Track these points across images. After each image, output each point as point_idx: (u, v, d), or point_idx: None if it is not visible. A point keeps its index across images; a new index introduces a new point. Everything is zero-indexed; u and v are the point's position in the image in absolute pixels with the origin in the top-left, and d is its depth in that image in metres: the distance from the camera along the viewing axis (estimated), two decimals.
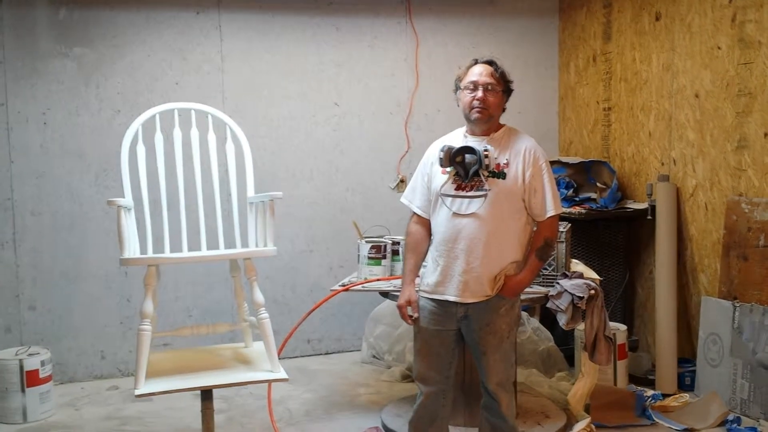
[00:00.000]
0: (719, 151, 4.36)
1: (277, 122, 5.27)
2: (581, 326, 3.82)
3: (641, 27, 4.97)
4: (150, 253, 3.21)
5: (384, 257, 4.08)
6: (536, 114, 5.88)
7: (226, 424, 4.12)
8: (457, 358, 3.15)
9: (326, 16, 5.34)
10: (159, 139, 3.29)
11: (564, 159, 5.35)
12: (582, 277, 3.79)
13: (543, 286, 3.83)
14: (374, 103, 5.48)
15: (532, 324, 4.88)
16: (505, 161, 2.97)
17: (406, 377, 4.79)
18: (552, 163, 5.33)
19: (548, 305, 3.75)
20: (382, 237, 4.28)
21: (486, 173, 2.95)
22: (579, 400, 3.93)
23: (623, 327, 4.58)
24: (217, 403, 3.28)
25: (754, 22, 4.07)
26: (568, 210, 4.91)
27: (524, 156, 2.98)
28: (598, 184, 5.05)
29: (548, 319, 4.75)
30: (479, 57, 3.14)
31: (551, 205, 2.99)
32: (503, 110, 3.12)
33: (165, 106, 3.38)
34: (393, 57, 5.51)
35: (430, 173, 3.09)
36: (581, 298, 3.64)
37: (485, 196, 2.94)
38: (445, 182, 3.02)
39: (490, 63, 3.08)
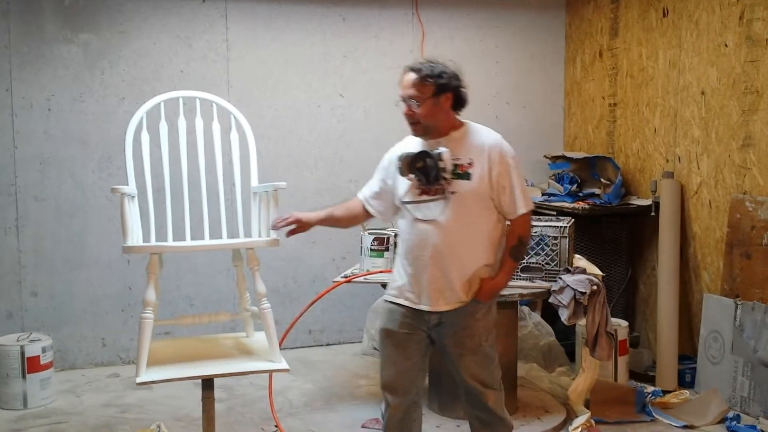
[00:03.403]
0: (724, 149, 4.34)
1: (282, 112, 5.27)
2: (583, 322, 3.82)
3: (648, 23, 4.95)
4: (153, 242, 3.21)
5: (387, 249, 4.07)
6: (541, 108, 5.87)
7: (226, 413, 4.13)
8: (426, 371, 3.03)
9: (333, 6, 5.32)
10: (163, 127, 3.29)
11: (568, 154, 5.34)
12: (584, 272, 3.79)
13: (545, 281, 3.82)
14: (379, 94, 5.46)
15: (533, 318, 4.89)
16: (469, 161, 2.82)
17: None
18: (556, 158, 5.35)
19: (550, 300, 3.75)
20: (385, 229, 4.27)
21: (449, 176, 2.80)
22: (579, 395, 3.93)
23: (624, 323, 4.58)
24: (217, 393, 3.28)
25: (762, 20, 4.05)
26: (572, 205, 4.90)
27: (489, 154, 2.82)
28: (602, 180, 5.04)
29: (550, 313, 4.75)
30: (412, 62, 2.92)
31: (521, 203, 2.84)
32: (457, 108, 2.89)
33: (170, 94, 3.37)
34: (399, 48, 5.49)
35: (394, 179, 2.95)
36: (583, 293, 3.65)
37: (450, 199, 2.81)
38: (408, 189, 2.88)
39: (413, 69, 2.86)
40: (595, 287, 3.68)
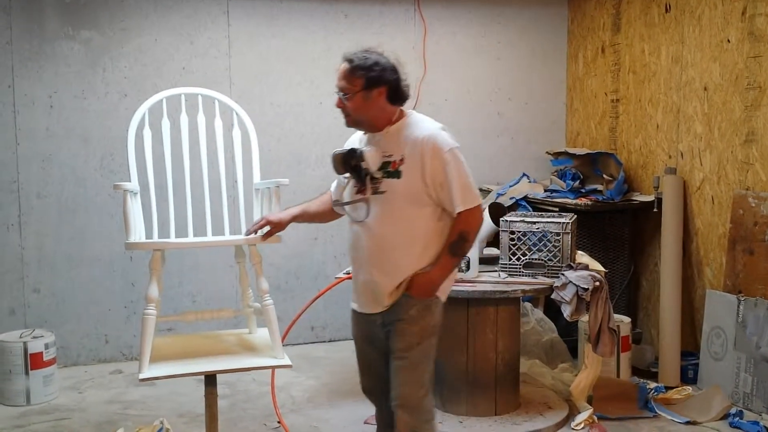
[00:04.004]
0: (727, 145, 4.34)
1: (284, 109, 5.26)
2: (585, 318, 3.82)
3: (650, 19, 4.94)
4: (155, 238, 3.22)
5: None
6: (543, 105, 5.86)
7: (229, 409, 4.14)
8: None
9: (334, 2, 5.31)
10: (165, 124, 3.29)
11: (571, 150, 5.34)
12: (587, 268, 3.79)
13: (548, 277, 3.82)
14: None
15: (536, 315, 4.88)
16: (400, 158, 2.65)
17: None
18: (558, 154, 5.34)
19: (553, 296, 3.75)
20: None
21: (379, 174, 2.67)
22: (582, 392, 3.93)
23: (627, 319, 4.58)
24: (220, 389, 3.28)
25: (765, 16, 4.04)
26: (574, 201, 4.90)
27: (421, 149, 2.62)
28: (604, 176, 5.03)
29: (552, 310, 4.75)
30: (348, 52, 2.75)
31: (459, 200, 2.62)
32: (395, 102, 2.72)
33: (172, 91, 3.38)
34: (401, 45, 5.47)
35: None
36: (586, 289, 3.65)
37: (377, 199, 2.67)
38: (345, 188, 2.79)
39: (346, 59, 2.71)
40: (597, 283, 3.68)
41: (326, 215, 3.06)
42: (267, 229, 2.93)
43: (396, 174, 2.65)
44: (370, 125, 2.74)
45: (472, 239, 2.73)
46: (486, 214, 4.24)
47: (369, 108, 2.69)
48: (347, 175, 2.76)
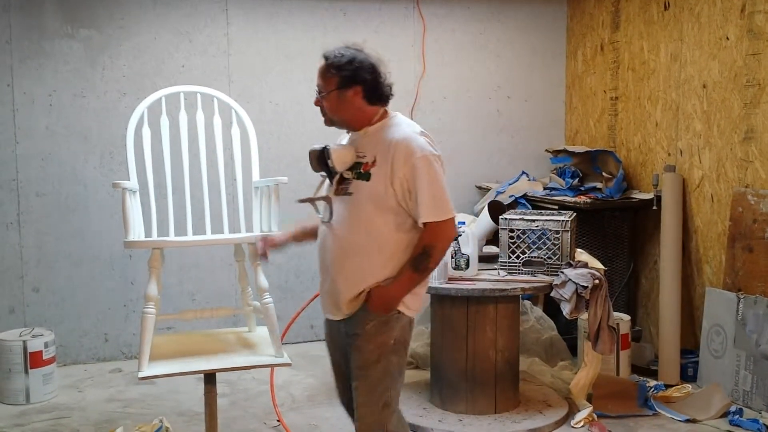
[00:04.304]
0: (726, 142, 4.34)
1: (283, 107, 5.26)
2: (585, 316, 3.83)
3: (650, 16, 4.94)
4: (154, 237, 3.22)
5: None
6: (543, 102, 5.86)
7: (228, 408, 4.14)
8: None
9: (333, 0, 5.31)
10: (165, 122, 3.29)
11: (570, 148, 5.33)
12: (586, 266, 3.79)
13: (547, 275, 3.82)
14: None
15: (535, 313, 4.88)
16: (373, 160, 2.52)
17: (409, 364, 4.79)
18: (558, 152, 5.34)
19: (552, 294, 3.75)
20: None
21: (350, 175, 2.55)
22: (581, 390, 3.93)
23: (627, 317, 4.58)
24: (220, 387, 3.29)
25: (764, 13, 4.04)
26: (574, 199, 4.89)
27: (394, 152, 2.47)
28: (603, 174, 5.03)
29: (552, 308, 4.75)
30: (327, 48, 2.66)
31: (425, 211, 2.46)
32: (373, 102, 2.59)
33: (171, 89, 3.38)
34: (400, 43, 5.48)
35: None
36: (585, 287, 3.65)
37: (344, 201, 2.56)
38: (319, 186, 2.70)
39: (323, 56, 2.62)
40: (597, 281, 3.68)
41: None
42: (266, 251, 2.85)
43: (366, 176, 2.52)
44: (348, 125, 2.64)
45: (437, 256, 2.53)
46: (485, 212, 4.25)
47: (344, 108, 2.58)
48: (323, 173, 2.65)
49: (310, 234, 2.84)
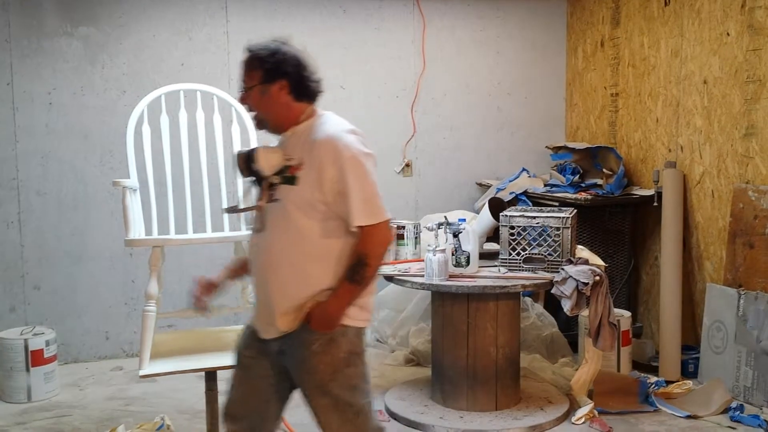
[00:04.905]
0: (727, 138, 4.33)
1: None
2: (585, 312, 3.82)
3: (650, 12, 4.93)
4: (155, 235, 3.22)
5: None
6: (543, 99, 5.85)
7: None
8: (279, 403, 2.55)
9: None
10: (164, 120, 3.29)
11: (570, 144, 5.33)
12: (587, 263, 3.78)
13: (548, 271, 3.82)
14: (380, 86, 5.45)
15: (536, 309, 4.89)
16: (299, 162, 2.33)
17: (410, 361, 4.80)
18: (558, 148, 5.33)
19: (553, 291, 3.75)
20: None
21: (277, 179, 2.35)
22: (582, 386, 3.94)
23: (627, 313, 4.58)
24: (221, 385, 3.28)
25: (764, 9, 4.03)
26: (574, 196, 4.89)
27: (321, 152, 2.28)
28: (604, 171, 5.03)
29: (552, 304, 4.75)
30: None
31: (356, 214, 2.27)
32: (301, 98, 2.42)
33: (170, 87, 3.38)
34: (400, 40, 5.47)
35: None
36: (586, 284, 3.64)
37: (270, 208, 2.38)
38: (246, 194, 2.54)
39: (246, 49, 2.45)
40: (597, 278, 3.68)
41: None
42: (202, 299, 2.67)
43: (292, 180, 2.33)
44: (275, 125, 2.44)
45: (374, 263, 2.33)
46: (486, 209, 4.24)
47: (269, 104, 2.39)
48: (251, 178, 2.44)
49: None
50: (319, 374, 2.37)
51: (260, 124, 2.46)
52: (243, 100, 2.45)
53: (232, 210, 2.57)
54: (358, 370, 2.45)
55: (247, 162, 2.39)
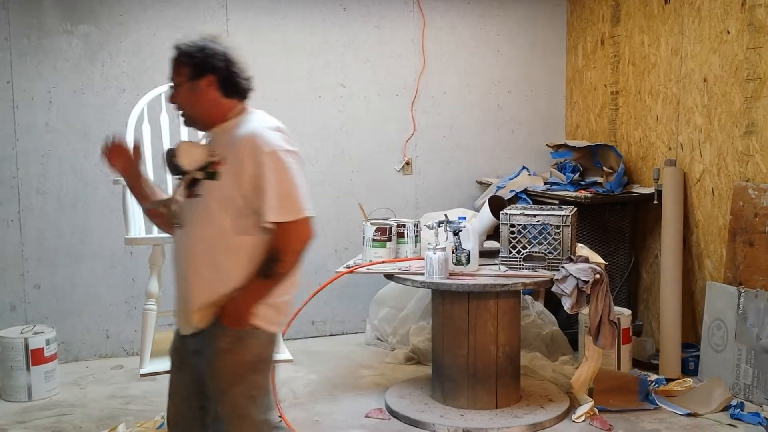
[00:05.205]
0: (727, 136, 4.33)
1: (282, 103, 5.25)
2: (585, 310, 3.83)
3: (650, 10, 4.93)
4: (155, 233, 3.22)
5: (389, 239, 4.07)
6: (543, 97, 5.86)
7: None
8: (205, 410, 2.47)
9: None
10: (165, 118, 3.29)
11: (570, 143, 5.33)
12: (587, 261, 3.79)
13: (548, 270, 3.82)
14: (380, 84, 5.45)
15: (536, 308, 4.89)
16: (223, 158, 2.34)
17: (410, 360, 4.80)
18: (558, 146, 5.33)
19: (553, 289, 3.75)
20: (387, 219, 4.27)
21: (201, 175, 2.36)
22: (582, 384, 3.94)
23: (627, 311, 4.58)
24: None
25: (765, 6, 4.03)
26: (574, 194, 4.89)
27: (241, 148, 2.30)
28: (604, 169, 5.03)
29: (553, 302, 4.75)
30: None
31: (270, 210, 2.27)
32: (230, 95, 2.43)
33: (170, 85, 3.37)
34: (400, 38, 5.47)
35: None
36: (586, 282, 3.65)
37: (191, 203, 2.38)
38: (175, 189, 2.47)
39: (174, 47, 2.45)
40: (597, 276, 3.68)
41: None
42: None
43: (214, 176, 2.34)
44: (204, 121, 2.44)
45: (288, 260, 2.31)
46: (486, 207, 4.24)
47: (198, 100, 2.39)
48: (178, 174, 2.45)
49: (147, 193, 2.57)
50: (224, 376, 2.35)
51: (189, 121, 2.45)
52: (172, 99, 2.44)
53: (153, 204, 2.54)
54: (262, 381, 2.41)
55: (170, 157, 2.40)
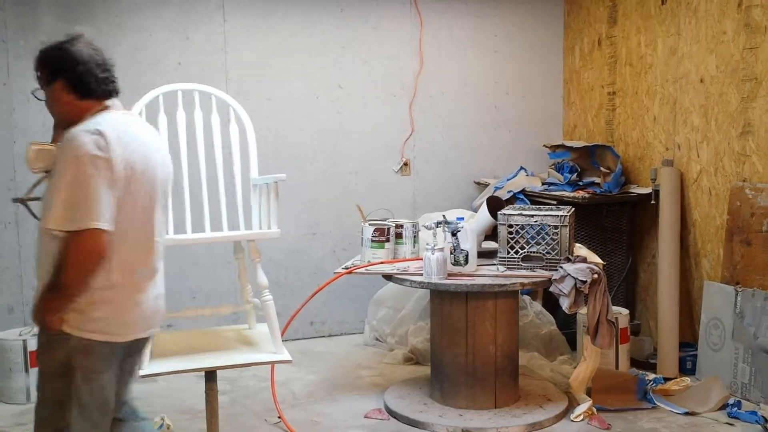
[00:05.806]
0: (724, 137, 4.34)
1: (281, 104, 5.26)
2: (583, 310, 3.83)
3: (647, 11, 4.94)
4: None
5: (387, 240, 4.08)
6: (540, 98, 5.86)
7: (229, 405, 4.14)
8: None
9: None
10: (162, 120, 3.29)
11: (568, 143, 5.34)
12: (585, 261, 3.79)
13: (546, 270, 3.83)
14: (378, 85, 5.45)
15: (534, 308, 4.89)
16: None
17: (409, 360, 4.81)
18: (556, 147, 5.34)
19: (551, 289, 3.75)
20: (385, 220, 4.28)
21: (43, 174, 2.38)
22: (580, 384, 3.94)
23: (625, 311, 4.59)
24: (220, 385, 3.29)
25: (761, 7, 4.05)
26: (572, 194, 4.90)
27: (60, 150, 2.27)
28: (601, 169, 5.04)
29: (551, 302, 4.76)
30: None
31: (48, 216, 2.19)
32: (84, 96, 2.38)
33: (168, 87, 3.38)
34: (397, 39, 5.48)
35: None
36: (584, 282, 3.65)
37: (32, 205, 2.41)
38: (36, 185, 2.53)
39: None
40: (595, 276, 3.69)
41: None
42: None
43: (48, 176, 2.33)
44: (66, 124, 2.38)
45: (70, 271, 2.18)
46: (484, 208, 4.25)
47: (55, 104, 2.39)
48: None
49: None
50: (41, 373, 2.34)
51: (57, 123, 2.47)
52: (45, 101, 2.43)
53: (18, 200, 2.55)
54: (71, 388, 2.28)
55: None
